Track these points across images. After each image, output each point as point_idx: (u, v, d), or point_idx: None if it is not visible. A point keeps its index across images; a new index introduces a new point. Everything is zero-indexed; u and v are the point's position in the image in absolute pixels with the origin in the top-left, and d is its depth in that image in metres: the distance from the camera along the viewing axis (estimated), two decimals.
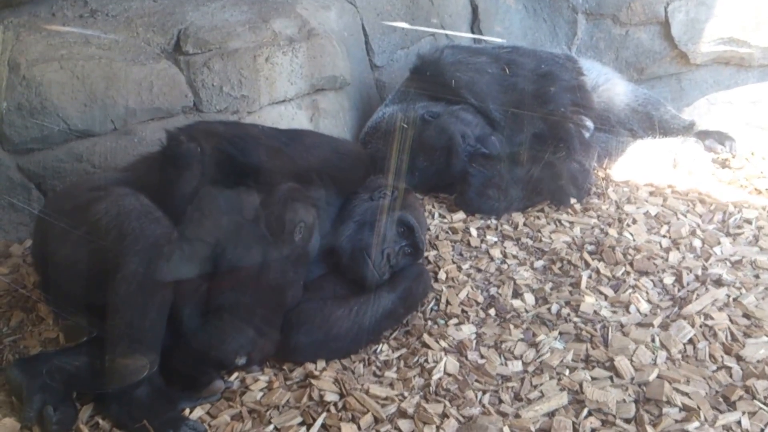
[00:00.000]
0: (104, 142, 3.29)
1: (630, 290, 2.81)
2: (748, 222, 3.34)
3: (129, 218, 2.20)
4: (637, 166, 3.94)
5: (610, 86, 4.22)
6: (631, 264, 2.97)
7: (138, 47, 3.40)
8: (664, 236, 3.24)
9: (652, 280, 2.88)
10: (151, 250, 2.16)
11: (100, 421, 2.28)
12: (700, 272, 2.92)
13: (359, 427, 2.20)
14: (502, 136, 3.76)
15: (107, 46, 3.34)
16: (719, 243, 3.16)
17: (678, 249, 3.12)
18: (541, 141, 3.74)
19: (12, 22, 3.19)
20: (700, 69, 4.82)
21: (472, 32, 4.97)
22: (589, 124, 4.01)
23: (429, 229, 3.28)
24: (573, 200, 3.53)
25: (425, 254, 3.01)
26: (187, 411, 2.30)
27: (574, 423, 2.14)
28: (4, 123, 3.10)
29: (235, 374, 2.45)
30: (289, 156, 2.53)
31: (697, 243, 3.17)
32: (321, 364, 2.50)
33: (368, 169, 2.79)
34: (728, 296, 2.73)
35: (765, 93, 4.52)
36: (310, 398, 2.33)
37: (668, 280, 2.88)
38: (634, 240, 3.17)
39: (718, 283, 2.83)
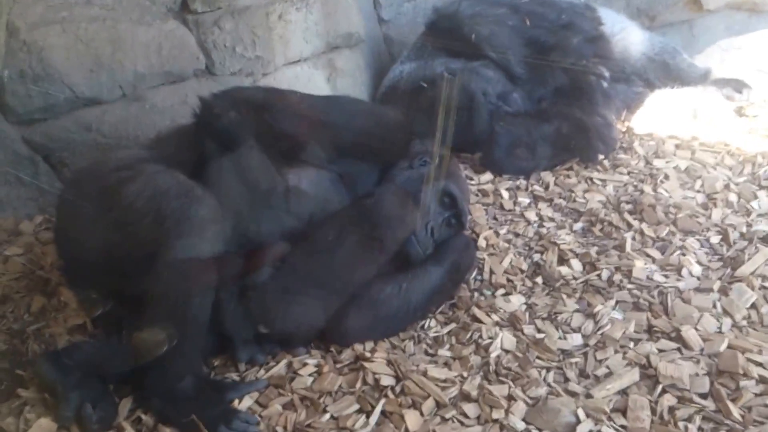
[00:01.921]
0: (114, 109, 2.94)
1: (678, 252, 2.59)
2: None
3: (167, 198, 1.89)
4: (658, 118, 3.70)
5: (626, 35, 3.93)
6: (674, 223, 2.76)
7: (143, 6, 3.02)
8: (698, 191, 3.03)
9: (698, 240, 2.67)
10: (195, 233, 1.87)
11: (143, 416, 2.01)
12: (744, 229, 2.72)
13: (422, 414, 1.97)
14: (524, 92, 3.48)
15: (110, 5, 2.96)
16: (756, 197, 2.95)
17: (715, 205, 2.91)
18: (563, 95, 3.48)
19: None
20: (711, 15, 4.53)
21: None
22: (607, 75, 3.74)
23: None
24: (601, 156, 3.29)
25: None
26: (236, 402, 2.05)
27: (650, 401, 1.94)
28: (6, 92, 2.74)
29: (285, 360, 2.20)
30: (333, 127, 2.23)
31: (732, 198, 2.96)
32: (369, 344, 2.26)
33: (410, 137, 2.49)
34: None
35: None
36: (365, 383, 2.09)
37: (714, 239, 2.67)
38: (671, 197, 2.95)
39: (766, 240, 2.62)
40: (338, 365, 2.18)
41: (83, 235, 2.06)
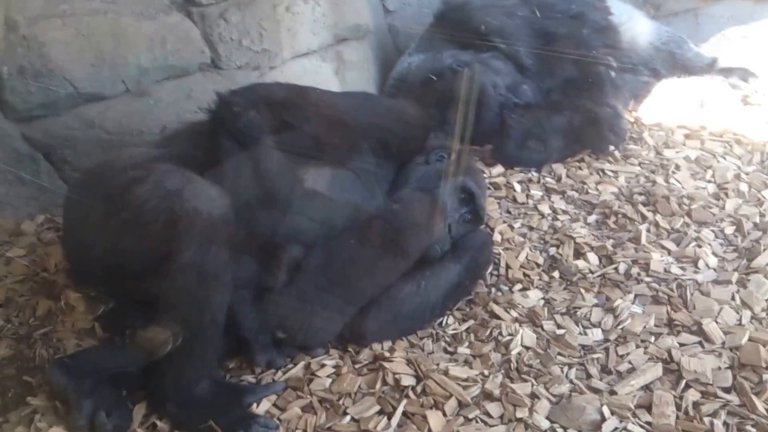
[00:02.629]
0: (116, 105, 2.87)
1: (693, 243, 2.57)
2: None
3: (179, 199, 1.83)
4: (666, 108, 3.68)
5: (633, 25, 3.88)
6: (688, 214, 2.73)
7: None
8: (709, 181, 3.02)
9: (712, 231, 2.65)
10: (210, 235, 1.82)
11: (158, 423, 1.96)
12: (758, 219, 2.71)
13: (445, 414, 1.93)
14: (533, 83, 3.43)
15: None
16: (766, 186, 2.95)
17: (727, 195, 2.89)
18: (573, 86, 3.43)
19: None
20: (716, 4, 4.49)
21: None
22: (615, 65, 3.70)
23: None
24: (612, 147, 3.25)
25: None
26: (254, 406, 2.00)
27: (674, 397, 1.91)
28: (5, 89, 2.66)
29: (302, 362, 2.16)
30: (355, 125, 2.18)
31: (743, 187, 2.95)
32: (387, 343, 2.21)
33: (428, 133, 2.44)
34: None
35: None
36: (385, 383, 2.05)
37: (729, 229, 2.66)
38: (683, 188, 2.92)
39: None
40: (357, 366, 2.14)
41: (92, 236, 1.99)
